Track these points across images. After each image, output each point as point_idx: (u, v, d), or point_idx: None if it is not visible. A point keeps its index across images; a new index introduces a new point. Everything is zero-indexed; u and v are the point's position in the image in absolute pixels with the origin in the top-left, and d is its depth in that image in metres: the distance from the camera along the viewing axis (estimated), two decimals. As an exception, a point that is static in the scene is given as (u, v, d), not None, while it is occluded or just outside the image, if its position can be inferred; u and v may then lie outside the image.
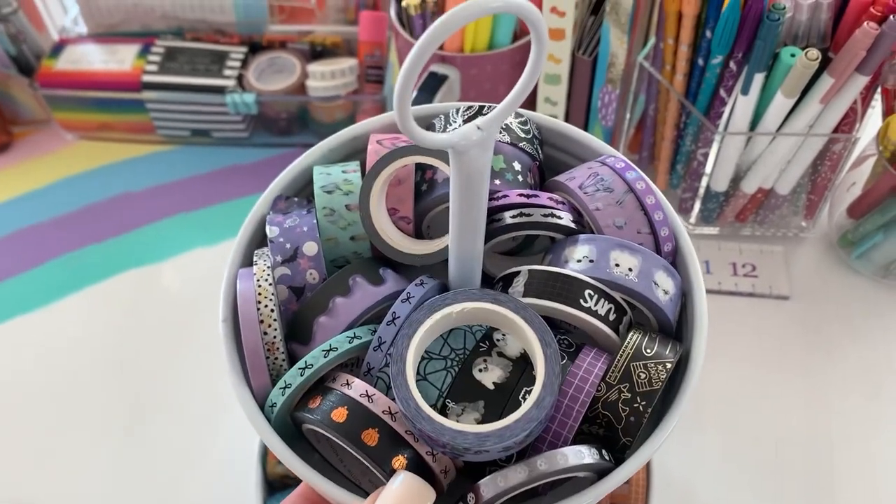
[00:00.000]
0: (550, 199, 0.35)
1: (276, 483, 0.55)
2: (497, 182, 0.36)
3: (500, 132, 0.37)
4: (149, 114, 0.80)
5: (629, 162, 0.36)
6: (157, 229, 0.76)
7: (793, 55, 0.56)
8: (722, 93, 0.61)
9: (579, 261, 0.33)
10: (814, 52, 0.54)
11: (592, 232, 0.35)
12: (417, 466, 0.29)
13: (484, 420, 0.30)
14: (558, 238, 0.35)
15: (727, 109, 0.62)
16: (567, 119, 0.73)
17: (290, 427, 0.33)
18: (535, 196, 0.35)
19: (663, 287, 0.33)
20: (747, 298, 0.68)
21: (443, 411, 0.30)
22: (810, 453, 0.59)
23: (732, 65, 0.59)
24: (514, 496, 0.29)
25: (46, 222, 0.77)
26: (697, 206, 0.69)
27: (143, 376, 0.65)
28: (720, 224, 0.71)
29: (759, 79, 0.58)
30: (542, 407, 0.28)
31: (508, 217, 0.34)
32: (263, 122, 0.80)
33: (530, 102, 0.73)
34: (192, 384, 0.64)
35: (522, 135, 0.37)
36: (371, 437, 0.29)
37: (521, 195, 0.35)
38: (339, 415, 0.29)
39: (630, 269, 0.32)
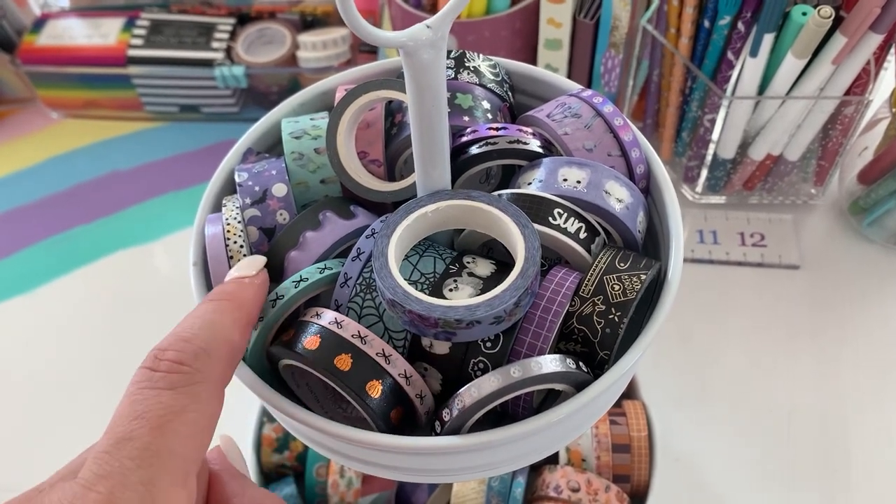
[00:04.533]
0: (520, 130, 0.35)
1: (272, 473, 0.53)
2: (466, 119, 0.36)
3: (469, 74, 0.37)
4: (136, 89, 0.77)
5: (597, 92, 0.36)
6: (146, 208, 0.74)
7: (804, 14, 0.54)
8: (729, 55, 0.59)
9: (530, 183, 0.33)
10: (827, 10, 0.52)
11: None
12: (392, 392, 0.29)
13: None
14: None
15: (735, 73, 0.60)
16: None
17: (269, 374, 0.33)
18: (505, 128, 0.35)
19: (616, 196, 0.33)
20: (756, 269, 0.66)
21: (416, 336, 0.31)
22: (823, 426, 0.57)
23: (741, 25, 0.57)
24: (491, 416, 0.29)
25: (33, 203, 0.75)
26: (704, 174, 0.67)
27: (134, 360, 0.63)
28: (727, 193, 0.69)
29: (768, 39, 0.56)
30: (527, 276, 0.28)
31: (475, 148, 0.34)
32: (254, 96, 0.78)
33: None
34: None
35: (491, 77, 0.38)
36: (344, 362, 0.29)
37: (490, 128, 0.35)
38: (312, 343, 0.29)
39: (578, 182, 0.33)
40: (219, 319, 0.27)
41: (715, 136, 0.63)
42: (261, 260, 0.31)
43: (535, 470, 0.51)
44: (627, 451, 0.51)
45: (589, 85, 0.70)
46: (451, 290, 0.30)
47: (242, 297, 0.28)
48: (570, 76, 0.71)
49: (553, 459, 0.51)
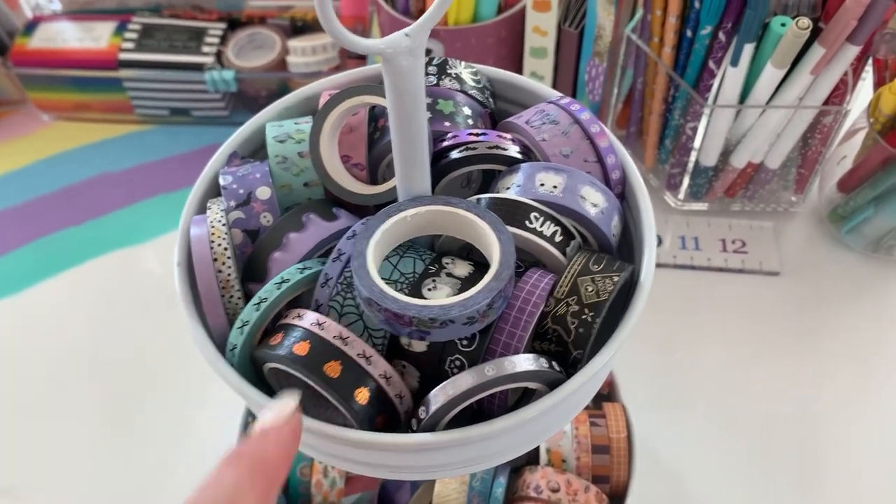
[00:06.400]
0: (499, 136, 0.36)
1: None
2: (447, 124, 0.37)
3: (451, 81, 0.38)
4: (126, 93, 0.78)
5: (575, 100, 0.37)
6: (136, 210, 0.74)
7: (783, 24, 0.55)
8: (711, 65, 0.60)
9: (508, 188, 0.34)
10: (804, 21, 0.53)
11: None
12: (377, 398, 0.30)
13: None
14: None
15: (716, 82, 0.61)
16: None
17: (254, 376, 0.33)
18: (485, 134, 0.36)
19: (591, 200, 0.34)
20: (737, 275, 0.67)
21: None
22: (801, 430, 0.58)
23: (721, 35, 0.58)
24: (466, 413, 0.30)
25: (23, 205, 0.75)
26: (686, 181, 0.68)
27: (123, 361, 0.64)
28: (709, 200, 0.70)
29: (748, 49, 0.57)
30: (501, 279, 0.29)
31: (455, 153, 0.35)
32: (244, 100, 0.79)
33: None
34: (174, 369, 0.63)
35: (472, 84, 0.39)
36: (334, 369, 0.30)
37: (470, 134, 0.36)
38: (301, 348, 0.30)
39: (555, 187, 0.34)
40: (239, 498, 0.24)
41: (697, 143, 0.64)
42: (291, 405, 0.27)
43: (516, 471, 0.51)
44: (607, 453, 0.52)
45: (574, 92, 0.71)
46: (429, 289, 0.31)
47: (266, 461, 0.25)
48: (555, 84, 0.72)
49: (534, 460, 0.52)
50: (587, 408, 0.54)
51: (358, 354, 0.30)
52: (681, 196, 0.70)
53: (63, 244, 0.72)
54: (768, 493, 0.56)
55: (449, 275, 0.32)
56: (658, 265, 0.67)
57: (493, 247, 0.30)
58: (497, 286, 0.29)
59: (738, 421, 0.59)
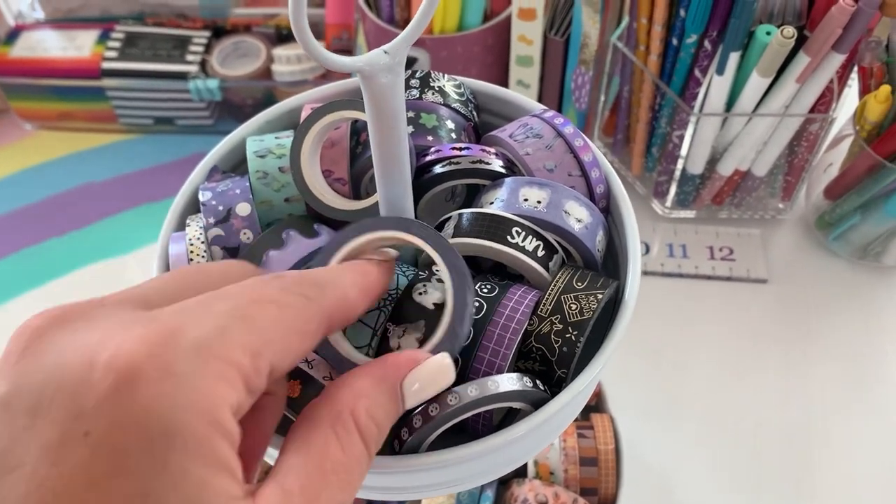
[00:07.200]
0: (482, 150, 0.35)
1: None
2: (430, 138, 0.36)
3: (434, 94, 0.38)
4: (110, 102, 0.77)
5: (558, 113, 0.37)
6: (120, 221, 0.74)
7: (768, 33, 0.55)
8: (697, 73, 0.60)
9: (492, 203, 0.34)
10: (789, 30, 0.53)
11: None
12: None
13: (425, 339, 0.30)
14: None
15: (702, 90, 0.61)
16: (540, 102, 0.72)
17: None
18: (468, 148, 0.35)
19: (575, 216, 0.33)
20: (725, 282, 0.67)
21: (384, 334, 0.31)
22: (789, 437, 0.58)
23: (707, 44, 0.58)
24: (455, 432, 0.30)
25: (5, 215, 0.74)
26: (673, 189, 0.68)
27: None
28: (696, 207, 0.70)
29: (734, 58, 0.57)
30: (454, 334, 0.27)
31: (439, 167, 0.35)
32: (228, 109, 0.78)
33: (502, 85, 0.71)
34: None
35: (456, 97, 0.38)
36: (293, 389, 0.29)
37: (453, 148, 0.35)
38: None
39: (539, 202, 0.33)
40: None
41: (683, 151, 0.64)
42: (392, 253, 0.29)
43: (504, 483, 0.51)
44: (595, 465, 0.52)
45: (560, 101, 0.71)
46: (420, 293, 0.30)
47: (372, 277, 0.27)
48: (541, 92, 0.71)
49: (521, 473, 0.52)
50: (574, 419, 0.54)
51: (324, 377, 0.29)
52: (668, 204, 0.70)
53: (46, 255, 0.71)
54: (758, 501, 0.55)
55: (439, 280, 0.31)
56: (646, 273, 0.66)
57: (447, 293, 0.28)
58: (449, 345, 0.27)
59: (727, 429, 0.59)
